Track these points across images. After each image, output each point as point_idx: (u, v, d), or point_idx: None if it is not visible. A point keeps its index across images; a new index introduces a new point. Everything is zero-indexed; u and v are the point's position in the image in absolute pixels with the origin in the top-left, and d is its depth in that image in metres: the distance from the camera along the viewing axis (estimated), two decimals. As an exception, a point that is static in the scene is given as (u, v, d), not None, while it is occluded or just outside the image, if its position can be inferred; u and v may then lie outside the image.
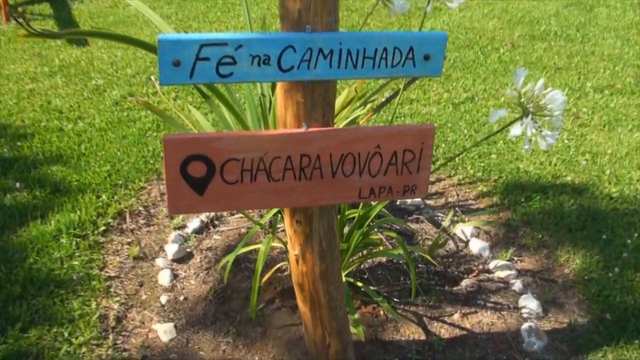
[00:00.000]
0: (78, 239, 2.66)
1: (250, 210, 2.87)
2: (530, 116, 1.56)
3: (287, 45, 1.45)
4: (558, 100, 1.53)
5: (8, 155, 3.26)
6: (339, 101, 2.74)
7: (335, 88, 1.62)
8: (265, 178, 1.60)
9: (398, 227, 2.91)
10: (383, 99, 2.78)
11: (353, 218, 2.40)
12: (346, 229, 2.48)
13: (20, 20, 1.78)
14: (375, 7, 5.96)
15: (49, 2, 6.14)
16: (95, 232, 2.72)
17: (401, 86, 2.32)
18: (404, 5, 2.08)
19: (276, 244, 2.52)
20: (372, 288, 2.47)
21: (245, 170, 1.58)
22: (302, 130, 1.58)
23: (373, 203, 2.36)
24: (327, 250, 1.83)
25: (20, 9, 1.71)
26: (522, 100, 1.59)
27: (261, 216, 2.89)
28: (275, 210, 2.39)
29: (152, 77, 4.40)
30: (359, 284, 2.37)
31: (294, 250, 1.85)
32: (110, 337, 2.21)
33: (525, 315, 2.45)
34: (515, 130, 1.57)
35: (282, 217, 2.35)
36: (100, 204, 2.90)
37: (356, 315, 2.15)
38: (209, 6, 6.36)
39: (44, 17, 5.67)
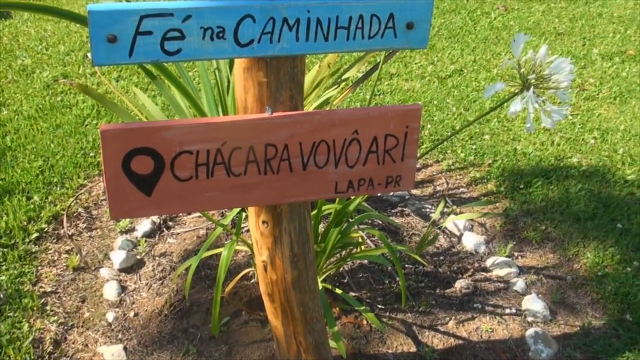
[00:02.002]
0: (5, 249, 2.58)
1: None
2: (532, 89, 1.54)
3: (245, 15, 1.40)
4: (565, 69, 1.51)
5: None
6: (308, 79, 2.70)
7: (304, 65, 1.58)
8: (224, 173, 1.56)
9: (381, 222, 2.88)
10: (360, 75, 2.75)
11: (330, 214, 2.37)
12: (322, 228, 2.45)
13: None
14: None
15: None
16: (26, 240, 2.66)
17: (380, 59, 2.29)
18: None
19: (241, 247, 2.49)
20: (352, 295, 2.46)
21: (200, 164, 1.53)
22: (266, 115, 1.54)
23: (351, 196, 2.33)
24: (299, 254, 1.80)
25: None
26: (522, 70, 1.57)
27: (223, 215, 2.85)
28: (237, 210, 2.35)
29: (89, 55, 4.31)
30: (338, 290, 2.34)
31: (261, 256, 1.81)
32: (48, 363, 2.16)
33: (530, 320, 2.45)
34: (516, 106, 1.55)
35: (247, 217, 2.31)
36: (32, 206, 2.83)
37: (336, 328, 2.13)
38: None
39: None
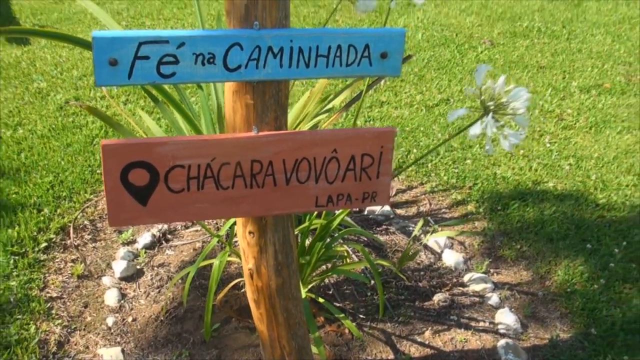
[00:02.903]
0: (16, 257, 2.66)
1: (207, 222, 2.90)
2: (490, 115, 1.62)
3: (233, 43, 1.49)
4: (522, 97, 1.59)
5: (-61, 167, 3.26)
6: (299, 105, 2.79)
7: (288, 89, 1.66)
8: (213, 186, 1.63)
9: (366, 239, 2.95)
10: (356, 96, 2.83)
11: (316, 229, 2.44)
12: (308, 242, 2.51)
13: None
14: (344, 4, 6.00)
15: (-14, -2, 6.13)
16: (36, 249, 2.73)
17: (372, 84, 2.37)
18: (369, 3, 2.13)
19: (234, 258, 2.56)
20: (336, 305, 2.52)
21: (192, 178, 1.60)
22: (253, 134, 1.62)
23: (336, 212, 2.40)
24: (283, 263, 1.87)
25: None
26: (483, 98, 1.65)
27: (218, 229, 2.92)
28: (233, 220, 2.42)
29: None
30: (321, 300, 2.40)
31: (247, 264, 1.88)
32: (51, 363, 2.22)
33: (502, 332, 2.51)
34: (475, 129, 1.63)
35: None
36: (42, 218, 2.90)
37: (317, 334, 2.19)
38: (164, 2, 6.40)
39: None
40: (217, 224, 2.95)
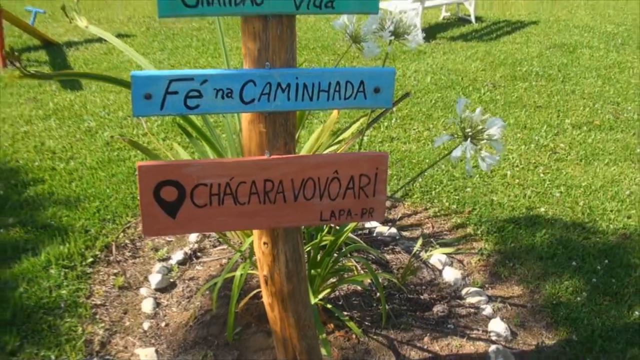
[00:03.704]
0: (66, 270, 2.81)
1: (231, 238, 3.03)
2: (469, 140, 1.73)
3: (248, 80, 1.64)
4: (497, 125, 1.71)
5: (2, 194, 3.44)
6: (314, 137, 2.92)
7: (295, 119, 1.80)
8: (232, 202, 1.76)
9: (374, 257, 3.05)
10: (361, 129, 2.96)
11: (326, 245, 2.55)
12: (319, 257, 2.62)
13: (16, 62, 1.98)
14: (354, 52, 6.16)
15: (45, 49, 6.40)
16: (83, 263, 2.88)
17: (373, 120, 2.50)
18: (373, 49, 2.28)
19: (254, 271, 2.67)
20: (344, 313, 2.61)
21: (214, 194, 1.74)
22: (265, 157, 1.75)
23: (343, 229, 2.51)
24: (293, 271, 1.98)
25: (16, 53, 1.91)
26: (463, 125, 1.77)
27: (241, 244, 3.04)
28: (252, 238, 2.54)
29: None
30: (329, 305, 2.51)
31: (263, 272, 2.00)
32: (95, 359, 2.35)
33: (493, 338, 2.58)
34: (456, 152, 1.75)
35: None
36: (89, 237, 3.06)
37: (324, 336, 2.28)
38: (200, 52, 6.63)
39: (40, 64, 5.92)
40: (239, 241, 3.07)
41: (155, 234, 1.81)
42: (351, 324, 2.43)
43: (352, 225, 2.59)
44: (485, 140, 1.73)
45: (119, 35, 6.91)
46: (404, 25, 2.04)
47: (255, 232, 1.96)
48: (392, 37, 2.09)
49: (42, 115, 4.63)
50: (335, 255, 2.53)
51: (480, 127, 1.73)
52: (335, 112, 2.95)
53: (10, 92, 5.10)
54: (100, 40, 6.86)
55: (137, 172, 1.65)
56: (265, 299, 2.08)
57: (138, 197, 3.41)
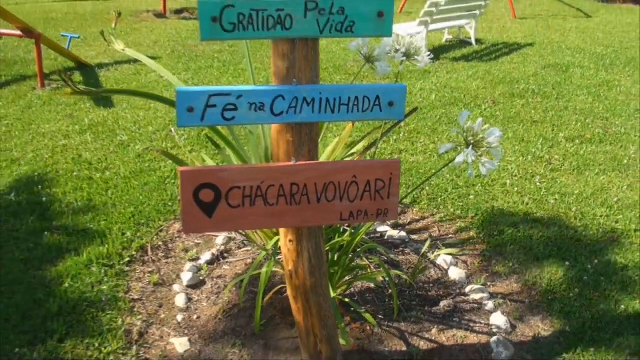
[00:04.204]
0: (106, 268, 2.92)
1: (254, 240, 3.13)
2: (471, 147, 1.84)
3: (277, 95, 1.75)
4: (495, 134, 1.81)
5: (45, 200, 3.56)
6: (329, 149, 3.03)
7: (318, 129, 1.91)
8: (262, 203, 1.87)
9: (386, 258, 3.15)
10: (372, 142, 3.07)
11: (342, 246, 2.65)
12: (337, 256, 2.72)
13: (68, 81, 2.11)
14: (367, 71, 6.29)
15: (79, 71, 6.56)
16: (121, 262, 2.99)
17: (385, 132, 2.60)
18: (386, 68, 2.39)
19: (278, 269, 2.78)
20: (360, 307, 2.71)
21: (246, 196, 1.85)
22: (292, 163, 1.86)
23: (359, 231, 2.62)
24: (316, 266, 2.08)
25: (68, 73, 2.06)
26: (465, 135, 1.88)
27: (264, 245, 3.14)
28: (276, 238, 2.65)
29: (172, 129, 4.74)
30: (346, 300, 2.60)
31: (288, 267, 2.10)
32: (134, 348, 2.45)
33: (495, 330, 2.67)
34: (459, 158, 1.85)
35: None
36: (125, 239, 3.18)
37: (343, 326, 2.38)
38: (222, 72, 6.77)
39: (75, 84, 6.05)
40: (262, 243, 3.18)
41: (194, 232, 1.93)
42: (367, 316, 2.53)
43: (366, 226, 2.69)
44: (485, 148, 1.84)
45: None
46: (415, 47, 2.16)
47: (282, 230, 2.06)
48: (404, 58, 2.20)
49: (79, 130, 4.77)
50: (351, 255, 2.63)
51: (480, 136, 1.84)
52: (349, 125, 3.06)
53: (49, 109, 5.25)
54: (129, 61, 7.02)
55: (179, 177, 1.76)
56: (290, 292, 2.18)
57: (169, 204, 3.54)
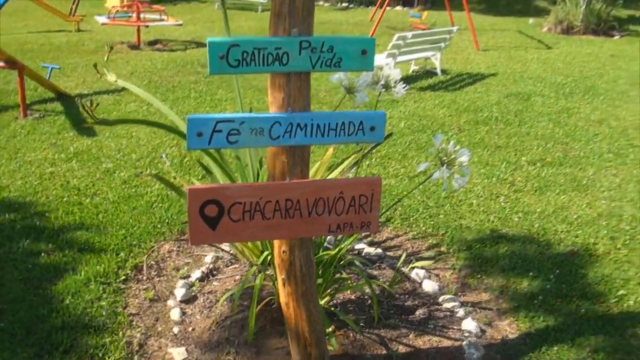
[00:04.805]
0: (104, 286, 3.11)
1: (245, 254, 3.35)
2: (445, 166, 2.12)
3: (275, 121, 2.01)
4: (465, 154, 2.09)
5: (39, 224, 3.73)
6: (312, 172, 3.29)
7: (309, 151, 2.17)
8: (260, 217, 2.11)
9: (365, 273, 3.39)
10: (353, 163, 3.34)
11: (327, 260, 2.90)
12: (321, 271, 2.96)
13: (90, 112, 2.34)
14: (338, 100, 6.62)
15: (60, 101, 6.73)
16: (117, 280, 3.18)
17: (366, 154, 2.87)
18: (364, 97, 2.68)
19: (267, 282, 3.00)
20: (345, 315, 2.95)
21: (246, 211, 2.09)
22: (286, 181, 2.11)
23: (342, 245, 2.86)
24: (306, 274, 2.32)
25: (90, 105, 2.29)
26: (440, 155, 2.16)
27: (251, 264, 3.36)
28: (267, 253, 2.87)
29: (163, 155, 4.96)
30: (332, 309, 2.84)
31: (281, 275, 2.33)
32: (135, 357, 2.64)
33: (466, 335, 2.92)
34: (436, 175, 2.13)
35: (270, 261, 2.84)
36: (120, 259, 3.37)
37: (329, 331, 2.61)
38: (199, 102, 7.01)
39: (56, 113, 6.24)
40: (249, 262, 3.40)
41: (200, 243, 2.14)
42: (351, 322, 2.77)
43: (348, 242, 2.95)
44: (457, 166, 2.12)
45: (124, 89, 7.26)
46: (393, 79, 2.45)
47: (276, 242, 2.30)
48: (383, 89, 2.49)
49: (65, 158, 4.94)
50: (334, 269, 2.87)
51: (453, 156, 2.12)
52: (330, 149, 3.33)
53: (33, 138, 5.41)
54: (107, 92, 7.22)
55: (187, 194, 2.00)
56: (282, 299, 2.41)
57: (158, 226, 3.74)
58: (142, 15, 11.01)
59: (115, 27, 11.90)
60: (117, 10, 11.75)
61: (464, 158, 2.09)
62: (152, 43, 11.02)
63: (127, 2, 13.84)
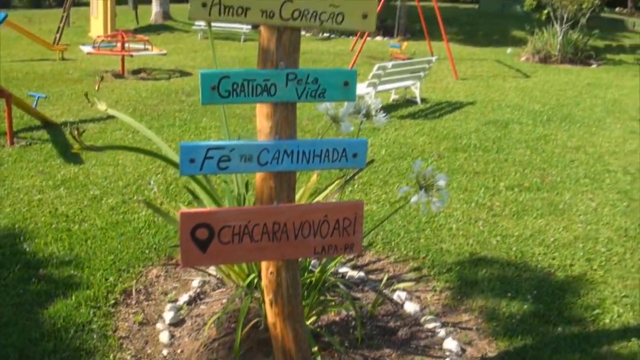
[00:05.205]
0: (94, 309, 3.18)
1: (231, 278, 3.43)
2: (423, 189, 2.25)
3: (263, 148, 2.13)
4: (442, 179, 2.23)
5: (28, 250, 3.80)
6: (297, 197, 3.41)
7: (296, 177, 2.29)
8: (249, 240, 2.21)
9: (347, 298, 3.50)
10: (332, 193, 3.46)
11: (312, 281, 3.00)
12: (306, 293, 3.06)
13: (78, 138, 2.45)
14: (321, 128, 6.73)
15: (46, 129, 6.81)
16: (107, 304, 3.25)
17: (349, 179, 3.00)
18: (348, 127, 2.81)
19: (252, 304, 3.09)
20: (327, 338, 3.04)
21: (235, 234, 2.19)
22: (274, 206, 2.23)
23: (326, 268, 2.97)
24: (292, 295, 2.42)
25: (78, 131, 2.39)
26: (419, 179, 2.29)
27: (237, 288, 3.45)
28: (253, 275, 2.97)
29: (151, 182, 5.05)
30: (317, 329, 2.93)
31: (268, 296, 2.43)
32: (126, 379, 2.71)
33: (447, 354, 3.03)
34: (414, 198, 2.26)
35: (257, 283, 2.94)
36: (109, 284, 3.44)
37: (315, 350, 2.71)
38: (183, 130, 7.12)
39: (43, 142, 6.32)
40: (235, 285, 3.48)
41: (191, 265, 2.25)
42: (335, 342, 2.86)
43: (332, 265, 3.05)
44: (435, 190, 2.25)
45: (109, 117, 7.36)
46: (374, 108, 2.59)
47: (263, 263, 2.40)
48: (365, 118, 2.63)
49: (52, 185, 5.02)
50: (319, 291, 2.97)
51: (431, 180, 2.25)
52: (314, 176, 3.46)
53: (20, 166, 5.48)
54: (92, 120, 7.32)
55: (179, 218, 2.10)
56: (270, 319, 2.50)
57: (146, 252, 3.82)
58: (126, 45, 11.15)
59: (99, 56, 12.03)
60: (102, 40, 11.89)
61: (441, 182, 2.23)
62: (136, 72, 11.15)
63: (111, 32, 14.01)
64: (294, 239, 2.28)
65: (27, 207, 4.53)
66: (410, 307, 3.43)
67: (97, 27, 16.79)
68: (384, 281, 3.42)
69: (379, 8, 12.87)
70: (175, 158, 3.10)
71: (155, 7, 22.08)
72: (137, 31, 17.29)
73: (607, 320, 3.37)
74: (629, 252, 4.25)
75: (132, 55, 11.21)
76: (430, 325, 3.26)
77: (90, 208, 4.59)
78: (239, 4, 1.99)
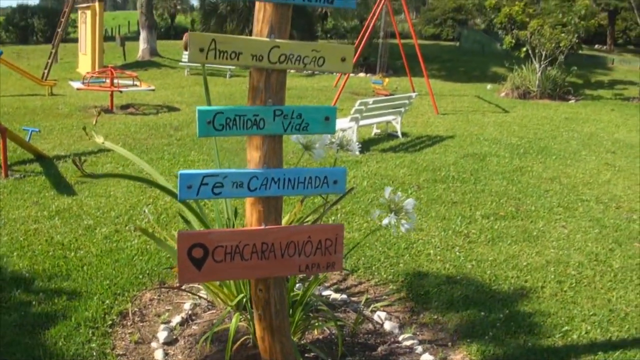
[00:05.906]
0: (93, 329, 3.38)
1: (220, 300, 3.65)
2: (393, 213, 2.52)
3: (253, 176, 2.40)
4: (410, 204, 2.50)
5: (28, 276, 4.00)
6: (284, 222, 3.66)
7: (282, 202, 2.55)
8: (239, 259, 2.46)
9: (330, 316, 3.73)
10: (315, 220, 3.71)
11: (296, 300, 3.24)
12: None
13: (79, 166, 2.69)
14: (307, 160, 7.01)
15: (38, 162, 7.03)
16: (105, 325, 3.45)
17: (330, 205, 3.26)
18: (321, 152, 3.08)
19: (242, 323, 3.31)
20: (312, 354, 3.27)
21: (227, 253, 2.44)
22: (262, 227, 2.48)
23: (310, 286, 3.21)
24: (280, 310, 2.66)
25: (79, 159, 2.65)
26: (389, 204, 2.56)
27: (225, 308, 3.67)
28: (242, 295, 3.20)
29: (146, 210, 5.28)
30: (302, 344, 3.16)
31: (257, 311, 2.67)
32: (124, 392, 2.91)
33: (424, 368, 3.27)
34: (385, 221, 2.52)
35: (246, 302, 3.17)
36: (106, 306, 3.65)
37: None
38: (172, 164, 7.37)
39: (36, 174, 6.53)
40: (224, 307, 3.70)
41: (187, 282, 2.49)
42: (321, 352, 3.09)
43: (314, 284, 3.30)
44: (403, 213, 2.52)
45: (100, 150, 7.60)
46: (347, 140, 2.88)
47: (253, 281, 2.64)
48: (339, 148, 2.91)
49: (47, 215, 5.23)
50: (303, 310, 3.21)
51: (400, 205, 2.52)
52: (298, 205, 3.72)
53: (15, 197, 5.69)
54: (84, 153, 7.55)
55: (177, 239, 2.35)
56: (258, 333, 2.73)
57: (139, 277, 4.04)
58: (115, 81, 11.45)
59: (88, 92, 12.31)
60: (92, 76, 12.18)
61: (409, 206, 2.49)
62: (124, 107, 11.43)
63: (99, 68, 14.32)
64: (281, 257, 2.53)
65: (24, 236, 4.74)
66: (389, 326, 3.66)
67: (85, 63, 17.14)
68: (363, 301, 3.66)
69: (362, 46, 13.32)
70: (170, 187, 3.36)
71: (142, 44, 22.51)
72: (124, 67, 17.63)
73: (575, 337, 3.62)
74: (599, 275, 4.53)
75: (121, 91, 11.49)
76: (409, 342, 3.50)
77: (85, 237, 4.80)
78: (232, 49, 2.27)
